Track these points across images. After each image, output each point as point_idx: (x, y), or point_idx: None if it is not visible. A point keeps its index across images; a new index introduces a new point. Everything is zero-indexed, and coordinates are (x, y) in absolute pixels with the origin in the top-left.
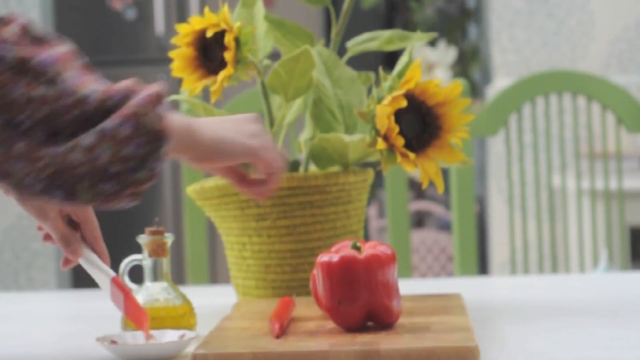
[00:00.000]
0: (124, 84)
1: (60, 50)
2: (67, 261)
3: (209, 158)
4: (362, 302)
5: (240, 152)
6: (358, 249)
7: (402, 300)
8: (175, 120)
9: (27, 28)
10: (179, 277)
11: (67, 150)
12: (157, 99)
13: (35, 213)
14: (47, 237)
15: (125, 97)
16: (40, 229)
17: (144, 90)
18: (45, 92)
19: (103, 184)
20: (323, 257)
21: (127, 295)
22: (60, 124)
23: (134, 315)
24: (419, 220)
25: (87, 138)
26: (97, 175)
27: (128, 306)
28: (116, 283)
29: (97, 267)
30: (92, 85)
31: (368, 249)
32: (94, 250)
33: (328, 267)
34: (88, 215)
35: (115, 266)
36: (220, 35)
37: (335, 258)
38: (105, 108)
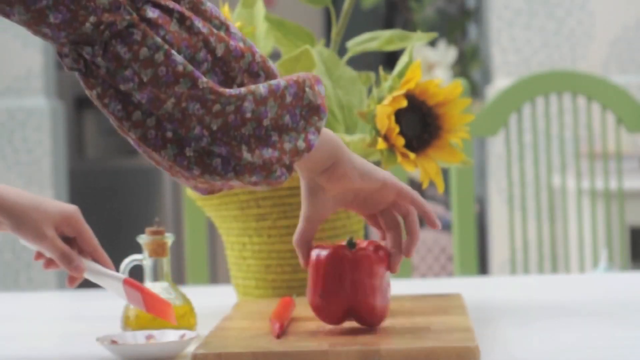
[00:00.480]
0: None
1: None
2: (72, 279)
3: (359, 176)
4: (343, 299)
5: (382, 176)
6: (352, 245)
7: (402, 300)
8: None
9: None
10: (179, 277)
11: (242, 95)
12: (316, 78)
13: (31, 235)
14: (48, 263)
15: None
16: (38, 257)
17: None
18: (218, 31)
19: (264, 149)
20: (315, 250)
21: (143, 291)
22: (233, 69)
23: (156, 309)
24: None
25: (261, 88)
26: (256, 140)
27: (148, 301)
28: (129, 283)
29: (104, 275)
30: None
31: (362, 248)
32: (96, 260)
33: (316, 261)
34: (81, 226)
35: (115, 266)
36: None
37: (324, 252)
38: (269, 69)
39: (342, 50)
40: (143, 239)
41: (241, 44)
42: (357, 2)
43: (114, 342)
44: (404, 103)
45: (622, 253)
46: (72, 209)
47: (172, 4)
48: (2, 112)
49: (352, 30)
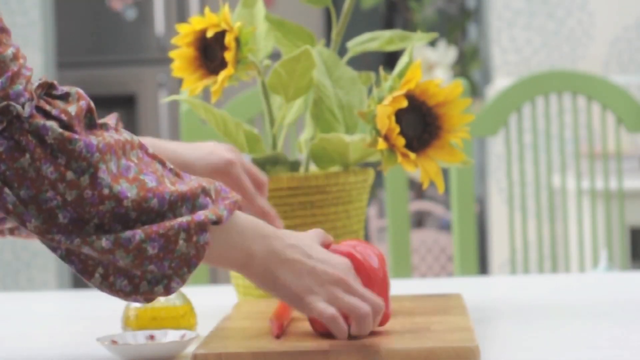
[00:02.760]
0: (187, 186)
1: (114, 137)
2: None
3: (259, 287)
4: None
5: (289, 299)
6: None
7: (403, 300)
8: (234, 244)
9: (91, 109)
10: None
11: (80, 244)
12: (203, 227)
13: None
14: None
15: (172, 204)
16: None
17: (207, 201)
18: (75, 177)
19: (118, 279)
20: None
21: None
22: (87, 213)
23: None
24: (419, 220)
25: (104, 242)
26: (114, 269)
27: None
28: None
29: None
30: (143, 178)
31: (343, 247)
32: (258, 216)
33: None
34: (241, 181)
35: None
36: (220, 35)
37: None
38: (143, 209)
39: (342, 51)
40: None
41: (106, 191)
42: (357, 2)
43: (114, 342)
44: (404, 103)
45: (622, 253)
46: (223, 162)
47: (28, 141)
48: None
49: (352, 30)
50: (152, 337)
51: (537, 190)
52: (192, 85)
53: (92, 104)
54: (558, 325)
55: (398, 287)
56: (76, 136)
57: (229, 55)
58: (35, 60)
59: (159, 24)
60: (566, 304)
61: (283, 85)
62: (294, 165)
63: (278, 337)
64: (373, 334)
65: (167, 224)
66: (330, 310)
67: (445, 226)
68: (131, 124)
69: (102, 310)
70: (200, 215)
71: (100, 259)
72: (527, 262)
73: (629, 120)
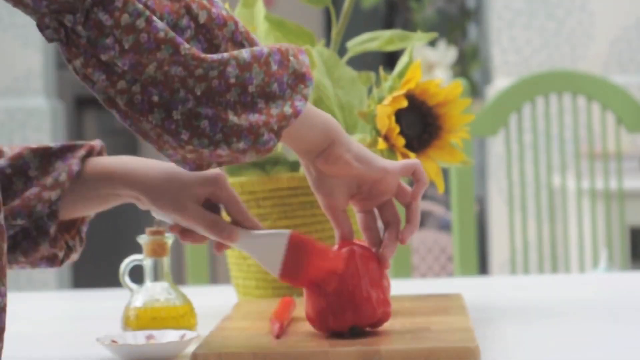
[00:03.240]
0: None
1: None
2: (220, 246)
3: (356, 160)
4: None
5: (382, 165)
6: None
7: (402, 300)
8: (319, 111)
9: None
10: (179, 277)
11: (225, 60)
12: (299, 49)
13: (170, 208)
14: (184, 235)
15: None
16: (173, 228)
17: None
18: None
19: (250, 114)
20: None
21: (310, 248)
22: (216, 37)
23: (323, 265)
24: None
25: (244, 54)
26: (246, 104)
27: (312, 261)
28: (296, 238)
29: (264, 236)
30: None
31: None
32: (247, 227)
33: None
34: (227, 192)
35: (115, 267)
36: None
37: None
38: (252, 40)
39: (342, 50)
40: (143, 239)
41: (224, 12)
42: (357, 2)
43: (114, 342)
44: (404, 103)
45: (622, 253)
46: (213, 175)
47: None
48: (2, 112)
49: (352, 30)
50: (152, 337)
51: (537, 190)
52: None
53: None
54: (558, 325)
55: (398, 287)
56: None
57: None
58: (35, 61)
59: None
60: (566, 304)
61: None
62: (294, 165)
63: (278, 337)
64: (373, 333)
65: (274, 45)
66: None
67: (445, 226)
68: None
69: (102, 310)
70: (291, 45)
71: (230, 92)
72: (527, 262)
73: (629, 120)
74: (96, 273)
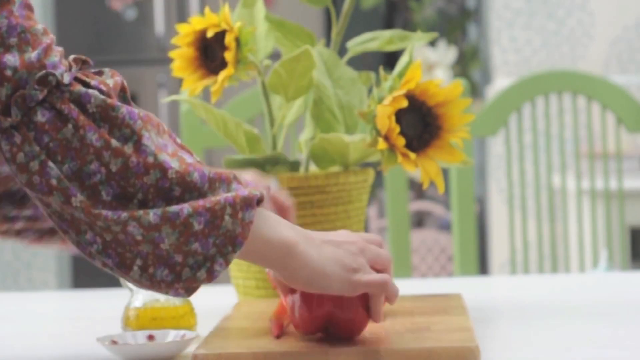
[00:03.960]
0: (220, 170)
1: (152, 117)
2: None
3: (305, 287)
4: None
5: (338, 288)
6: None
7: (402, 300)
8: (279, 233)
9: (124, 87)
10: None
11: (128, 219)
12: (246, 202)
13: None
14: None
15: (211, 182)
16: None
17: (240, 185)
18: (121, 144)
19: (157, 269)
20: None
21: None
22: (131, 186)
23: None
24: (419, 220)
25: (153, 215)
26: (154, 258)
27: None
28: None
29: None
30: (179, 155)
31: None
32: None
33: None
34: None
35: None
36: (220, 35)
37: None
38: (186, 183)
39: (342, 51)
40: None
41: (150, 159)
42: (357, 2)
43: (114, 342)
44: (404, 103)
45: (622, 253)
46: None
47: (70, 110)
48: None
49: (352, 30)
50: (152, 337)
51: (537, 190)
52: (192, 85)
53: (125, 83)
54: (558, 325)
55: (398, 287)
56: (118, 103)
57: (229, 55)
58: None
59: (159, 24)
60: (566, 304)
61: (283, 85)
62: (294, 165)
63: (278, 337)
64: (373, 333)
65: (213, 198)
66: (379, 276)
67: (445, 226)
68: None
69: (102, 310)
70: (244, 191)
71: (140, 245)
72: (527, 262)
73: (629, 120)
74: (96, 273)
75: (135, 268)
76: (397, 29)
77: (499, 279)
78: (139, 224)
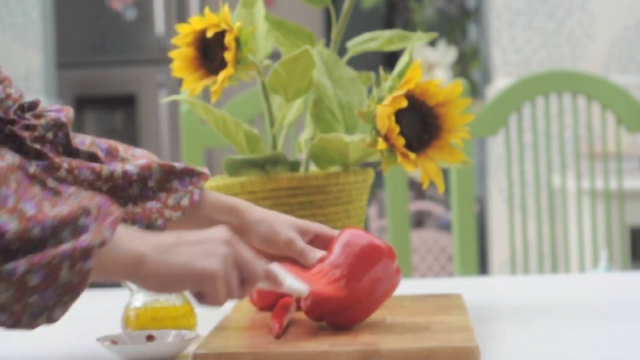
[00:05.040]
0: (67, 208)
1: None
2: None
3: (160, 289)
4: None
5: (191, 281)
6: None
7: (402, 300)
8: (126, 252)
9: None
10: None
11: None
12: (85, 253)
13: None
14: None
15: (53, 230)
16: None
17: (88, 221)
18: None
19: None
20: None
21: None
22: None
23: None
24: (419, 220)
25: None
26: None
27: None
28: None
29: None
30: (22, 206)
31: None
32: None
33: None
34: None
35: None
36: (220, 35)
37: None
38: (25, 239)
39: (342, 50)
40: None
41: (12, 226)
42: (357, 2)
43: (114, 342)
44: (404, 103)
45: (622, 253)
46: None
47: None
48: None
49: (352, 30)
50: (152, 337)
51: (537, 190)
52: (192, 85)
53: None
54: (558, 325)
55: (398, 287)
56: None
57: (229, 55)
58: (35, 61)
59: (159, 24)
60: (566, 304)
61: (283, 85)
62: (294, 165)
63: (278, 337)
64: (373, 333)
65: (51, 252)
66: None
67: (445, 226)
68: (131, 124)
69: (102, 310)
70: (84, 241)
71: None
72: (527, 262)
73: (629, 120)
74: None
75: None
76: (397, 29)
77: (499, 279)
78: None
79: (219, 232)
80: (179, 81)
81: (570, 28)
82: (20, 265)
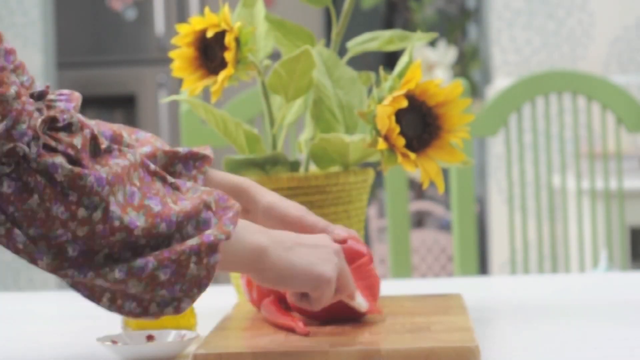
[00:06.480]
0: (189, 203)
1: (120, 163)
2: None
3: (277, 284)
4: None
5: (308, 283)
6: None
7: (402, 300)
8: (247, 244)
9: (95, 136)
10: None
11: (93, 277)
12: (212, 248)
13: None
14: None
15: (179, 225)
16: None
17: (209, 215)
18: (88, 214)
19: (126, 302)
20: None
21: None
22: (98, 245)
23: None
24: (419, 220)
25: (118, 273)
26: (122, 295)
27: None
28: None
29: None
30: (147, 202)
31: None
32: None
33: None
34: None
35: None
36: (220, 35)
37: None
38: (153, 235)
39: (342, 51)
40: None
41: (117, 223)
42: (357, 2)
43: (114, 342)
44: (404, 103)
45: (622, 253)
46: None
47: (36, 182)
48: None
49: (352, 30)
50: (152, 337)
51: (537, 190)
52: (192, 85)
53: (95, 130)
54: (558, 325)
55: (398, 287)
56: (86, 171)
57: (229, 55)
58: (35, 61)
59: (159, 24)
60: (566, 304)
61: (283, 85)
62: (294, 165)
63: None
64: (373, 333)
65: (178, 248)
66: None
67: (445, 226)
68: (131, 124)
69: (102, 310)
70: (209, 235)
71: (108, 289)
72: (527, 262)
73: (629, 120)
74: None
75: (105, 300)
76: (397, 29)
77: (499, 279)
78: (105, 280)
79: (330, 242)
80: (179, 81)
81: (570, 28)
82: (150, 261)
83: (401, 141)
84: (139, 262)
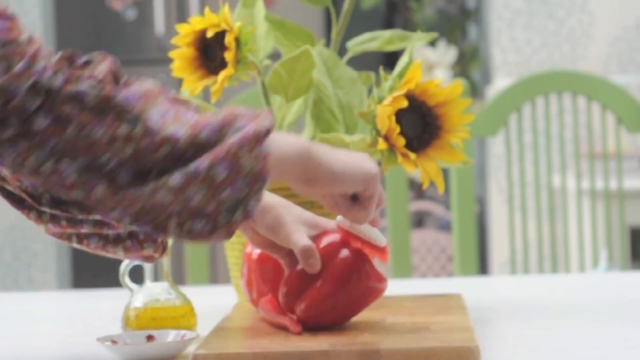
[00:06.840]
0: (220, 115)
1: (144, 86)
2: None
3: (330, 183)
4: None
5: (360, 178)
6: None
7: (402, 300)
8: (291, 145)
9: (114, 69)
10: (179, 277)
11: (152, 190)
12: (257, 137)
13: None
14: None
15: (219, 131)
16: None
17: (244, 122)
18: (129, 130)
19: (194, 222)
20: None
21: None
22: (147, 163)
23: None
24: (419, 220)
25: (175, 178)
26: (188, 213)
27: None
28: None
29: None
30: (182, 118)
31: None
32: None
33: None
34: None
35: (116, 266)
36: (220, 35)
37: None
38: (197, 144)
39: (342, 51)
40: None
41: (158, 137)
42: (357, 2)
43: (114, 342)
44: (404, 103)
45: (622, 253)
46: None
47: (69, 110)
48: None
49: (352, 30)
50: (152, 337)
51: (537, 190)
52: (192, 85)
53: (116, 61)
54: (558, 325)
55: (398, 287)
56: (113, 92)
57: (229, 55)
58: None
59: (159, 24)
60: (566, 304)
61: (283, 85)
62: None
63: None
64: (373, 333)
65: (225, 145)
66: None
67: (445, 226)
68: None
69: (102, 310)
70: (250, 128)
71: (171, 206)
72: (527, 262)
73: (629, 120)
74: (96, 273)
75: (173, 225)
76: (397, 29)
77: (499, 279)
78: (165, 191)
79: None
80: (179, 81)
81: (570, 28)
82: (203, 161)
83: (401, 141)
84: (192, 165)
